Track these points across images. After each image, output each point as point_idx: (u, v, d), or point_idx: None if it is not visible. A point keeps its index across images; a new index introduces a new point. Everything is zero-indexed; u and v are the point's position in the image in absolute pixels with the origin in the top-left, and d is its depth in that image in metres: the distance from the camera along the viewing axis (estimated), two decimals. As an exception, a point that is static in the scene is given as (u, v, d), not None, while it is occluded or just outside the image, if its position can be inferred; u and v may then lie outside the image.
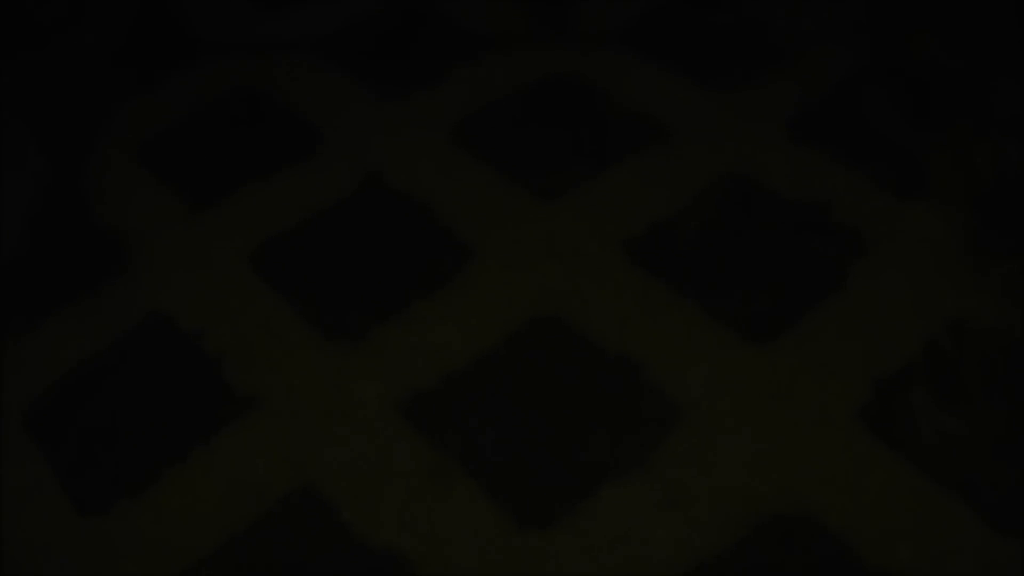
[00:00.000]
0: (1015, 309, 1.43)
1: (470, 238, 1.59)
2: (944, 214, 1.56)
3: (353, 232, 1.62)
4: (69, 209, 1.72)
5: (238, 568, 1.25)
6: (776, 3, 1.93)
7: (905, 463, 1.27)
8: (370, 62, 1.92)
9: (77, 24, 1.91)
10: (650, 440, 1.32)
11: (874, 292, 1.46)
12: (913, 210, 1.58)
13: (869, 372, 1.37)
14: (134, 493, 1.34)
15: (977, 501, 1.23)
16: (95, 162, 1.80)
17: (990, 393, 1.34)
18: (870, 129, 1.72)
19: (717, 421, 1.33)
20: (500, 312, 1.48)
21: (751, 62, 1.84)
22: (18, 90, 1.77)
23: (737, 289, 1.48)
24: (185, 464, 1.36)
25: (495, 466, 1.31)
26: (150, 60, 1.98)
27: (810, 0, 1.91)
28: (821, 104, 1.76)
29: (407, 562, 1.23)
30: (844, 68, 1.81)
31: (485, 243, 1.58)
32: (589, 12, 1.94)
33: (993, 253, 1.51)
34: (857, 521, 1.22)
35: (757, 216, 1.59)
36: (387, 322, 1.48)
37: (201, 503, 1.32)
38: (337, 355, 1.45)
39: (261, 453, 1.35)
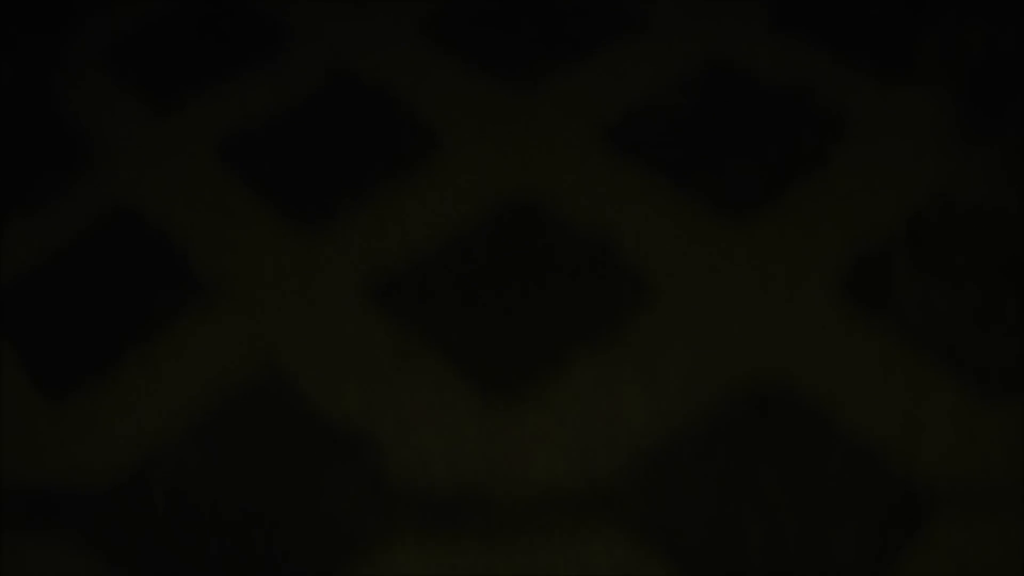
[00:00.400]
0: (1004, 186, 1.39)
1: (440, 126, 1.54)
2: (932, 96, 1.52)
3: (321, 124, 1.58)
4: (33, 110, 1.68)
5: (202, 450, 1.22)
6: None
7: (886, 332, 1.24)
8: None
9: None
10: (624, 315, 1.28)
11: (857, 170, 1.42)
12: (899, 93, 1.53)
13: (851, 245, 1.33)
14: (96, 377, 1.31)
15: (962, 366, 1.20)
16: (60, 66, 1.76)
17: (975, 265, 1.30)
18: (854, 15, 1.67)
19: (693, 294, 1.29)
20: (470, 196, 1.44)
21: (732, -49, 1.79)
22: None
23: (714, 169, 1.44)
24: (148, 349, 1.32)
25: (464, 345, 1.27)
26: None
27: None
28: (803, -10, 1.71)
29: (374, 441, 1.20)
30: (827, -47, 1.76)
31: (455, 130, 1.53)
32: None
33: (982, 132, 1.46)
34: (835, 389, 1.19)
35: (737, 101, 1.55)
36: (355, 207, 1.44)
37: (164, 387, 1.28)
38: (304, 239, 1.41)
39: (225, 336, 1.32)
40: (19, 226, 1.50)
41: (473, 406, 1.21)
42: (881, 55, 1.59)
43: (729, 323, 1.26)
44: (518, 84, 1.60)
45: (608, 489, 1.14)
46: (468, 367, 1.25)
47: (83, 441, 1.26)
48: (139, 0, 1.88)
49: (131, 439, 1.25)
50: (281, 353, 1.29)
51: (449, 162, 1.49)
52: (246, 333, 1.32)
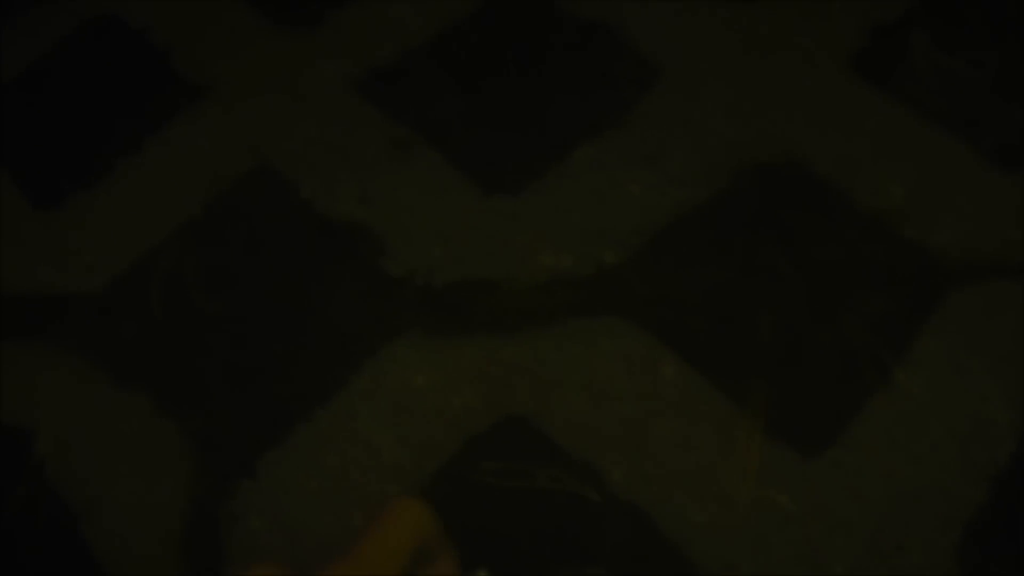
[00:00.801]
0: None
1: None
2: None
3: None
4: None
5: (197, 251, 1.20)
6: None
7: (902, 106, 1.19)
8: None
9: None
10: (624, 100, 1.23)
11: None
12: None
13: (864, 20, 1.27)
14: (87, 185, 1.27)
15: (978, 139, 1.15)
16: None
17: (995, 34, 1.24)
18: None
19: (696, 77, 1.24)
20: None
21: None
22: None
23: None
24: (138, 154, 1.28)
25: (460, 138, 1.23)
26: None
27: None
28: None
29: (373, 237, 1.17)
30: None
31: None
32: None
33: None
34: (848, 165, 1.15)
35: None
36: (342, 5, 1.38)
37: (156, 190, 1.25)
38: (292, 39, 1.35)
39: (215, 139, 1.28)
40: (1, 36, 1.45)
41: (473, 196, 1.18)
42: None
43: (733, 104, 1.21)
44: None
45: (615, 276, 1.12)
46: (467, 156, 1.20)
47: (78, 246, 1.24)
48: None
49: (125, 242, 1.22)
50: (273, 151, 1.25)
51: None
52: (237, 136, 1.27)
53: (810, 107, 1.19)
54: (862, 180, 1.13)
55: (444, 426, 1.05)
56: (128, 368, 1.21)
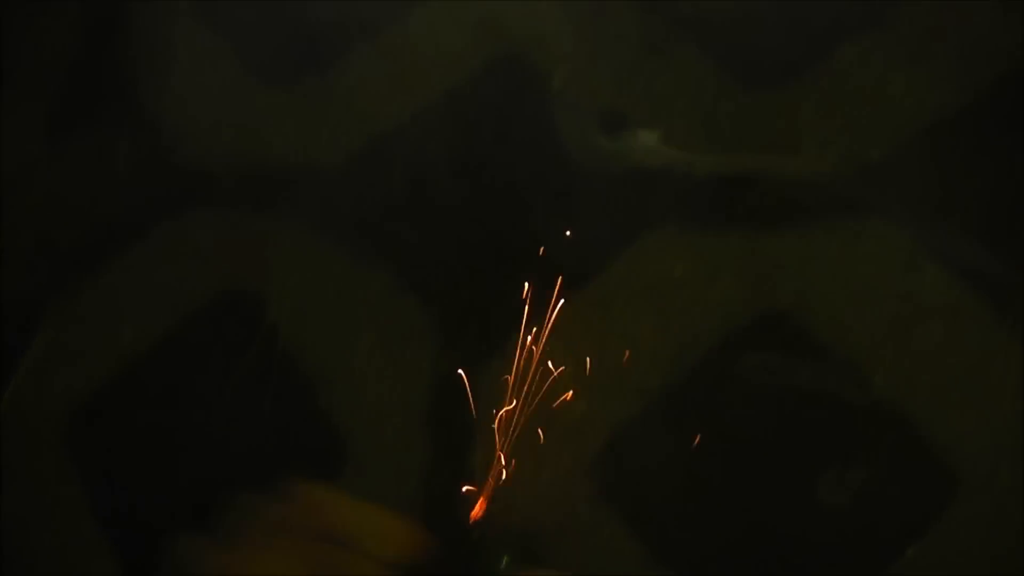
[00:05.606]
0: None
1: None
2: None
3: None
4: None
5: (439, 133, 1.20)
6: None
7: None
8: None
9: None
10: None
11: None
12: None
13: None
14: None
15: None
16: None
17: None
18: None
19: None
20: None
21: None
22: None
23: None
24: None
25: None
26: None
27: None
28: None
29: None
30: None
31: None
32: None
33: None
34: None
35: None
36: None
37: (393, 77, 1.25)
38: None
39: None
40: None
41: (733, 90, 1.15)
42: None
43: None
44: None
45: (878, 175, 1.09)
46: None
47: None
48: None
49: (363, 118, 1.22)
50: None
51: None
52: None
53: None
54: None
55: (703, 318, 1.06)
56: (366, 245, 1.22)
